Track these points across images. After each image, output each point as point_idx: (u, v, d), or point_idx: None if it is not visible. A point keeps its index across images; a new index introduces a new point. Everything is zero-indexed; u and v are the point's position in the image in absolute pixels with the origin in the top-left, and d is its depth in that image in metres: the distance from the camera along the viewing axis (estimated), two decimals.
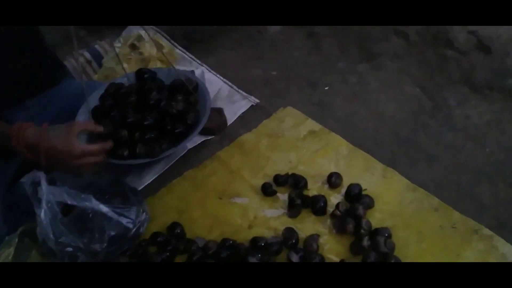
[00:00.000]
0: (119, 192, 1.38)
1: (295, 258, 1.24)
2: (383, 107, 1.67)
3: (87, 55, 2.01)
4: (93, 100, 1.48)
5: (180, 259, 1.32)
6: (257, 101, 1.80)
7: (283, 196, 1.45)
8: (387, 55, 1.84)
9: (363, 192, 1.38)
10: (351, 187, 1.38)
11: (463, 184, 1.37)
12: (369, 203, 1.35)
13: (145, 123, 1.39)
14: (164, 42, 2.00)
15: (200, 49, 2.13)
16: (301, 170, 1.51)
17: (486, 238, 1.23)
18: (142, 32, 1.95)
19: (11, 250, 1.26)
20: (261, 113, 1.73)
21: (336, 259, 1.25)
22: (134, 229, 1.33)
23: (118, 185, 1.40)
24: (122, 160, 1.36)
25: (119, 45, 1.92)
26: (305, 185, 1.45)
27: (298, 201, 1.39)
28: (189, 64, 2.07)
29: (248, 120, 1.72)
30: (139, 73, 1.52)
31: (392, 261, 1.17)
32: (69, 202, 1.25)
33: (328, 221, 1.35)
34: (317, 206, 1.37)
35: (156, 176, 1.61)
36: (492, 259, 1.19)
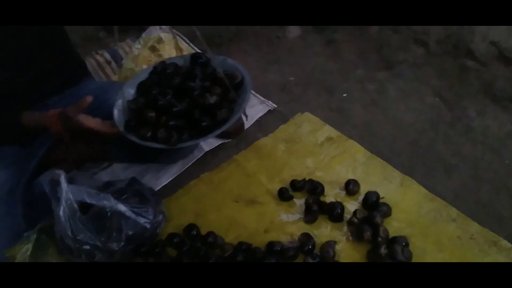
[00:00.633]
0: (137, 192, 1.39)
1: None
2: (401, 116, 1.66)
3: (107, 55, 2.03)
4: (143, 74, 1.46)
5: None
6: (275, 106, 1.80)
7: (299, 201, 1.45)
8: (407, 63, 1.83)
9: (381, 200, 1.37)
10: (368, 194, 1.38)
11: (482, 195, 1.36)
12: (387, 211, 1.34)
13: (173, 109, 1.32)
14: (183, 45, 2.01)
15: (218, 52, 2.13)
16: (318, 176, 1.51)
17: (505, 250, 1.22)
18: (162, 35, 1.96)
19: (29, 246, 1.27)
20: (279, 118, 1.73)
21: None
22: (151, 229, 1.34)
23: (135, 186, 1.41)
24: (143, 140, 1.29)
25: (138, 46, 1.93)
26: (322, 191, 1.45)
27: (315, 207, 1.39)
28: None
29: (265, 124, 1.73)
30: (194, 57, 1.47)
31: None
32: (88, 200, 1.25)
33: (345, 228, 1.35)
34: (334, 212, 1.37)
35: (173, 177, 1.61)
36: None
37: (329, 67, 1.96)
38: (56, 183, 1.26)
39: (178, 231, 1.42)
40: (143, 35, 2.11)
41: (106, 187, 1.40)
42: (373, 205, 1.36)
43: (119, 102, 1.37)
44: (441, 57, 1.77)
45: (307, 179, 1.50)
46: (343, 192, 1.45)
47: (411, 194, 1.40)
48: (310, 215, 1.39)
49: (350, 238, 1.32)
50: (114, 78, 1.96)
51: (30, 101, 1.40)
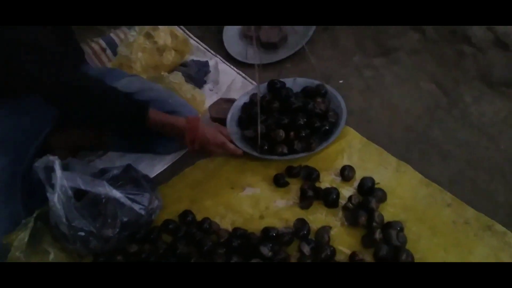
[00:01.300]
0: (132, 179, 1.39)
1: (306, 249, 1.24)
2: (398, 102, 1.65)
3: (102, 43, 2.02)
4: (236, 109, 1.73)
5: (191, 248, 1.32)
6: None
7: (295, 187, 1.46)
8: (403, 50, 1.82)
9: (376, 186, 1.37)
10: (364, 180, 1.38)
11: (477, 180, 1.36)
12: (382, 197, 1.34)
13: (298, 123, 1.55)
14: (179, 32, 2.00)
15: (214, 39, 2.13)
16: (314, 162, 1.51)
17: (499, 234, 1.22)
18: None
19: (26, 233, 1.27)
20: None
21: (347, 251, 1.25)
22: (146, 216, 1.34)
23: (131, 172, 1.41)
24: (283, 156, 1.52)
25: (134, 33, 1.92)
26: (317, 177, 1.45)
27: (310, 193, 1.39)
28: (203, 55, 2.07)
29: None
30: (271, 84, 1.73)
31: (404, 255, 1.16)
32: (82, 187, 1.26)
33: (340, 213, 1.35)
34: (329, 198, 1.37)
35: (168, 164, 1.62)
36: (504, 255, 1.18)
37: (326, 54, 1.95)
38: (50, 170, 1.26)
39: (173, 218, 1.42)
40: None
41: (101, 174, 1.40)
42: (369, 190, 1.36)
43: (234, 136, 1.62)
44: (438, 43, 1.76)
45: (302, 165, 1.50)
46: (339, 178, 1.45)
47: (406, 180, 1.39)
48: (305, 200, 1.40)
49: (345, 223, 1.32)
50: (109, 65, 1.95)
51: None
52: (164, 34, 1.93)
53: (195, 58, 2.02)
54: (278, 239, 1.28)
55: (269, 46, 2.00)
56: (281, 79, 1.76)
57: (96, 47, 2.01)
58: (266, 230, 1.31)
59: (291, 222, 1.34)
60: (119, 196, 1.28)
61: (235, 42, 2.10)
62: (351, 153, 1.51)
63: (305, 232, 1.30)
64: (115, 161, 1.65)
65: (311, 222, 1.33)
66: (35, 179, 1.27)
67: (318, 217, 1.36)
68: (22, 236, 1.27)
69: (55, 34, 1.37)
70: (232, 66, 1.99)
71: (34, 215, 1.30)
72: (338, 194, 1.37)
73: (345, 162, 1.48)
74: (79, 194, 1.31)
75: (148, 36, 1.92)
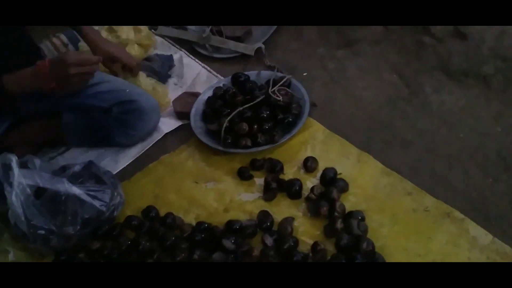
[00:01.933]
0: (93, 175, 1.37)
1: (269, 241, 1.25)
2: (360, 93, 1.67)
3: (64, 38, 1.98)
4: (199, 104, 1.71)
5: (154, 243, 1.32)
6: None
7: (259, 180, 1.46)
8: (366, 41, 1.83)
9: (338, 176, 1.38)
10: (326, 171, 1.39)
11: (437, 168, 1.38)
12: (344, 187, 1.36)
13: (261, 115, 1.55)
14: (142, 26, 1.98)
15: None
16: (277, 154, 1.51)
17: (458, 221, 1.24)
18: None
19: None
20: None
21: (310, 241, 1.25)
22: (108, 212, 1.33)
23: (92, 169, 1.39)
24: (246, 149, 1.52)
25: (96, 28, 1.89)
26: (281, 170, 1.46)
27: (274, 185, 1.40)
28: (167, 49, 2.06)
29: None
30: (235, 77, 1.74)
31: (365, 243, 1.18)
32: (41, 184, 1.24)
33: (303, 204, 1.36)
34: (292, 189, 1.37)
35: (131, 160, 1.60)
36: (463, 241, 1.20)
37: (290, 46, 1.95)
38: (8, 168, 1.24)
39: (137, 214, 1.41)
40: None
41: (62, 171, 1.38)
42: (331, 181, 1.37)
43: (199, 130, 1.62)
44: (399, 34, 1.78)
45: (266, 158, 1.50)
46: (302, 170, 1.46)
47: (368, 170, 1.41)
48: (269, 193, 1.40)
49: (308, 214, 1.33)
50: None
51: None
52: (127, 28, 1.91)
53: (159, 52, 2.00)
54: (242, 232, 1.29)
55: (233, 40, 1.99)
56: (245, 72, 1.76)
57: (57, 42, 1.97)
58: (230, 223, 1.31)
59: (255, 214, 1.35)
60: (79, 193, 1.27)
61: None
62: (314, 145, 1.52)
63: (268, 224, 1.30)
64: (78, 158, 1.63)
65: (274, 214, 1.34)
66: None
67: (282, 208, 1.37)
68: None
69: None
70: (197, 60, 1.98)
71: None
72: (301, 186, 1.38)
73: (309, 153, 1.49)
74: (39, 192, 1.29)
75: (111, 30, 1.90)
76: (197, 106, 1.69)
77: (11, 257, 1.28)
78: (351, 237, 1.21)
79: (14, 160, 1.24)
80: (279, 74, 1.71)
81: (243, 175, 1.47)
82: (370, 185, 1.37)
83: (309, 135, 1.55)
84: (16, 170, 1.23)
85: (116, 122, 1.57)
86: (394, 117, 1.56)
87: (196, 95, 1.75)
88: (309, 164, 1.44)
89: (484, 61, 1.59)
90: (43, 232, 1.25)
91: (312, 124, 1.58)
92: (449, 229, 1.23)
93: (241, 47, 1.95)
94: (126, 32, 1.90)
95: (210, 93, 1.73)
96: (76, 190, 1.26)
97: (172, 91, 1.84)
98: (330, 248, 1.23)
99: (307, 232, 1.29)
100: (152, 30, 2.10)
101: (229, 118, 1.54)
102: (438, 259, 1.17)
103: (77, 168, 1.38)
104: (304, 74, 1.80)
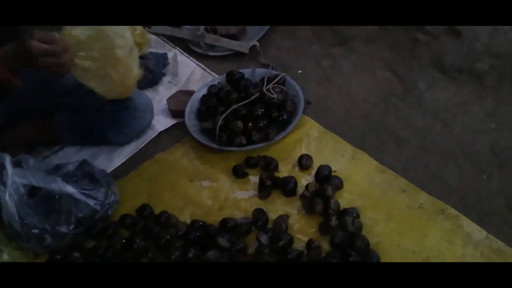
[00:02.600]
0: (87, 174, 1.37)
1: (264, 239, 1.24)
2: (355, 91, 1.67)
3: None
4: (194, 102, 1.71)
5: (149, 242, 1.31)
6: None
7: (254, 178, 1.46)
8: (360, 38, 1.84)
9: (333, 174, 1.39)
10: (320, 168, 1.39)
11: (431, 165, 1.38)
12: (338, 184, 1.36)
13: (255, 113, 1.55)
14: None
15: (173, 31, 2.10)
16: (272, 152, 1.51)
17: (452, 218, 1.25)
18: None
19: None
20: None
21: (304, 238, 1.25)
22: (102, 211, 1.32)
23: (86, 168, 1.38)
24: (241, 147, 1.51)
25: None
26: (276, 167, 1.45)
27: (269, 183, 1.40)
28: (162, 47, 2.06)
29: None
30: (229, 75, 1.74)
31: (359, 241, 1.18)
32: (34, 183, 1.23)
33: (298, 202, 1.36)
34: (287, 187, 1.37)
35: (126, 159, 1.60)
36: (457, 238, 1.20)
37: (285, 44, 1.95)
38: (1, 167, 1.24)
39: (131, 212, 1.41)
40: None
41: (56, 170, 1.38)
42: (325, 178, 1.37)
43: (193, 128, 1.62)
44: (393, 31, 1.78)
45: (261, 155, 1.50)
46: (297, 167, 1.46)
47: (362, 167, 1.41)
48: (263, 190, 1.40)
49: (303, 211, 1.33)
50: None
51: None
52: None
53: (153, 50, 2.00)
54: (236, 230, 1.29)
55: (228, 38, 1.99)
56: (240, 70, 1.76)
57: None
58: (224, 221, 1.31)
59: (250, 212, 1.34)
60: (73, 192, 1.26)
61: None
62: (309, 142, 1.52)
63: (263, 221, 1.30)
64: (72, 157, 1.62)
65: (269, 212, 1.34)
66: None
67: (277, 206, 1.37)
68: None
69: None
70: (191, 58, 1.97)
71: None
72: (295, 183, 1.38)
73: (303, 151, 1.49)
74: (33, 191, 1.29)
75: None
76: (192, 104, 1.69)
77: (5, 257, 1.28)
78: (345, 234, 1.21)
79: (7, 159, 1.23)
80: (274, 72, 1.71)
81: (238, 173, 1.47)
82: (364, 182, 1.37)
83: (303, 133, 1.55)
84: (9, 169, 1.22)
85: (110, 120, 1.56)
86: (388, 114, 1.56)
87: (190, 93, 1.74)
88: (304, 162, 1.44)
89: (478, 58, 1.59)
90: (37, 231, 1.24)
91: (306, 122, 1.58)
92: (443, 226, 1.23)
93: (235, 45, 1.95)
94: None
95: (204, 91, 1.73)
96: (70, 189, 1.26)
97: (166, 89, 1.84)
98: (325, 245, 1.23)
99: (302, 229, 1.29)
100: (146, 28, 2.09)
101: (223, 116, 1.54)
102: (433, 255, 1.17)
103: (71, 167, 1.38)
104: (299, 71, 1.80)
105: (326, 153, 1.48)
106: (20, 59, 1.19)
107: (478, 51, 1.60)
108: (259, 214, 1.32)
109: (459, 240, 1.20)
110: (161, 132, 1.66)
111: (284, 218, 1.30)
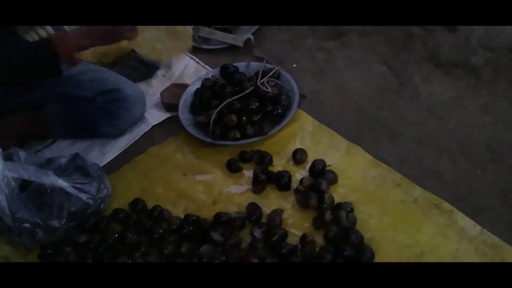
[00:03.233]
0: (80, 168, 1.36)
1: (257, 233, 1.24)
2: (349, 84, 1.66)
3: (50, 29, 1.94)
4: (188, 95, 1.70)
5: (141, 236, 1.30)
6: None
7: (248, 172, 1.45)
8: (355, 32, 1.83)
9: (327, 168, 1.38)
10: (315, 162, 1.38)
11: (425, 160, 1.38)
12: (333, 179, 1.35)
13: (250, 107, 1.53)
14: None
15: None
16: (266, 146, 1.50)
17: (446, 212, 1.24)
18: None
19: None
20: None
21: (298, 233, 1.25)
22: (95, 205, 1.31)
23: (78, 161, 1.37)
24: (235, 141, 1.50)
25: None
26: (270, 162, 1.45)
27: (263, 177, 1.39)
28: None
29: None
30: (224, 69, 1.72)
31: (353, 235, 1.17)
32: (26, 177, 1.22)
33: (292, 196, 1.35)
34: (281, 181, 1.37)
35: (118, 152, 1.59)
36: (451, 233, 1.20)
37: (280, 38, 1.94)
38: None
39: (124, 207, 1.40)
40: None
41: (48, 164, 1.36)
42: (320, 172, 1.36)
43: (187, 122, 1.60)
44: (388, 25, 1.77)
45: (255, 150, 1.49)
46: (291, 162, 1.45)
47: (357, 161, 1.41)
48: (258, 185, 1.39)
49: (297, 206, 1.33)
50: None
51: None
52: None
53: None
54: (230, 224, 1.28)
55: (222, 31, 1.97)
56: (234, 64, 1.74)
57: (43, 33, 1.94)
58: (218, 216, 1.30)
59: (244, 206, 1.34)
60: (65, 186, 1.25)
61: None
62: (304, 136, 1.52)
63: (257, 216, 1.29)
64: (64, 150, 1.61)
65: (263, 206, 1.33)
66: None
67: (271, 201, 1.36)
68: None
69: None
70: (185, 51, 1.95)
71: None
72: (290, 178, 1.37)
73: (298, 145, 1.48)
74: (24, 185, 1.27)
75: None
76: (186, 98, 1.68)
77: None
78: (340, 228, 1.21)
79: None
80: (268, 66, 1.70)
81: (232, 167, 1.46)
82: (359, 176, 1.37)
83: (298, 127, 1.54)
84: (0, 162, 1.20)
85: (101, 112, 1.55)
86: (383, 109, 1.55)
87: (184, 86, 1.73)
88: (298, 156, 1.43)
89: (473, 52, 1.59)
90: (28, 225, 1.23)
91: (301, 116, 1.57)
92: (437, 220, 1.23)
93: (230, 38, 1.94)
94: None
95: (198, 85, 1.71)
96: (62, 182, 1.24)
97: (160, 83, 1.83)
98: (319, 239, 1.23)
99: (296, 224, 1.29)
100: None
101: (217, 109, 1.53)
102: (427, 250, 1.17)
103: (63, 160, 1.36)
104: (294, 65, 1.78)
105: (321, 147, 1.47)
106: (93, 37, 1.37)
107: (473, 45, 1.59)
108: (253, 208, 1.31)
109: (453, 234, 1.20)
110: (154, 126, 1.65)
111: (278, 212, 1.29)
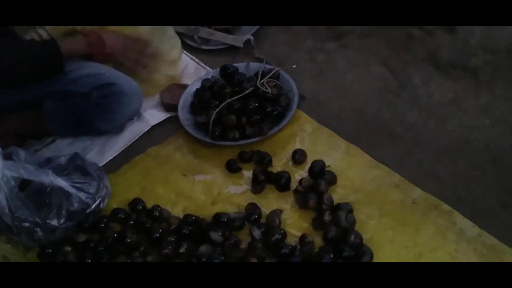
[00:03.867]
0: (79, 167, 1.36)
1: (257, 233, 1.24)
2: (349, 86, 1.67)
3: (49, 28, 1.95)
4: (187, 96, 1.70)
5: (141, 236, 1.30)
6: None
7: (247, 172, 1.45)
8: (354, 33, 1.83)
9: (327, 169, 1.38)
10: (314, 163, 1.39)
11: (425, 161, 1.38)
12: (332, 179, 1.35)
13: (249, 107, 1.54)
14: None
15: None
16: (266, 147, 1.50)
17: (445, 214, 1.24)
18: None
19: None
20: None
21: (297, 233, 1.25)
22: (94, 205, 1.31)
23: (77, 161, 1.37)
24: (235, 141, 1.51)
25: None
26: (269, 162, 1.45)
27: (262, 177, 1.39)
28: None
29: None
30: (223, 69, 1.73)
31: (352, 236, 1.17)
32: (25, 176, 1.22)
33: (291, 197, 1.36)
34: (280, 182, 1.37)
35: (118, 152, 1.59)
36: (450, 234, 1.20)
37: (279, 39, 1.94)
38: None
39: (123, 206, 1.40)
40: None
41: (47, 163, 1.36)
42: (319, 173, 1.36)
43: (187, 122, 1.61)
44: (388, 26, 1.77)
45: (255, 150, 1.49)
46: (291, 162, 1.45)
47: (356, 162, 1.41)
48: (257, 185, 1.39)
49: (296, 206, 1.33)
50: None
51: None
52: None
53: None
54: (229, 224, 1.28)
55: (222, 32, 1.98)
56: (234, 64, 1.74)
57: (43, 33, 1.94)
58: (217, 216, 1.30)
59: (243, 207, 1.34)
60: (64, 185, 1.25)
61: None
62: (303, 137, 1.52)
63: (256, 216, 1.29)
64: (63, 150, 1.61)
65: (263, 206, 1.33)
66: None
67: (270, 201, 1.36)
68: None
69: None
70: (185, 52, 1.95)
71: None
72: (289, 178, 1.37)
73: (297, 146, 1.49)
74: (24, 184, 1.27)
75: None
76: (185, 98, 1.68)
77: None
78: (339, 229, 1.21)
79: None
80: (268, 66, 1.70)
81: (231, 167, 1.46)
82: (358, 177, 1.37)
83: (297, 128, 1.55)
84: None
85: (96, 107, 1.54)
86: (382, 110, 1.55)
87: (184, 87, 1.73)
88: (297, 157, 1.43)
89: (473, 53, 1.59)
90: (27, 224, 1.23)
91: (300, 117, 1.58)
92: (436, 221, 1.23)
93: (229, 39, 1.94)
94: None
95: (198, 85, 1.72)
96: (61, 182, 1.24)
97: None
98: (318, 240, 1.23)
99: (295, 224, 1.29)
100: None
101: (217, 110, 1.53)
102: (426, 251, 1.17)
103: (62, 160, 1.36)
104: (293, 66, 1.79)
105: (320, 148, 1.47)
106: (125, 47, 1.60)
107: (472, 46, 1.59)
108: (252, 208, 1.31)
109: (452, 236, 1.20)
110: (154, 126, 1.65)
111: (277, 213, 1.29)
